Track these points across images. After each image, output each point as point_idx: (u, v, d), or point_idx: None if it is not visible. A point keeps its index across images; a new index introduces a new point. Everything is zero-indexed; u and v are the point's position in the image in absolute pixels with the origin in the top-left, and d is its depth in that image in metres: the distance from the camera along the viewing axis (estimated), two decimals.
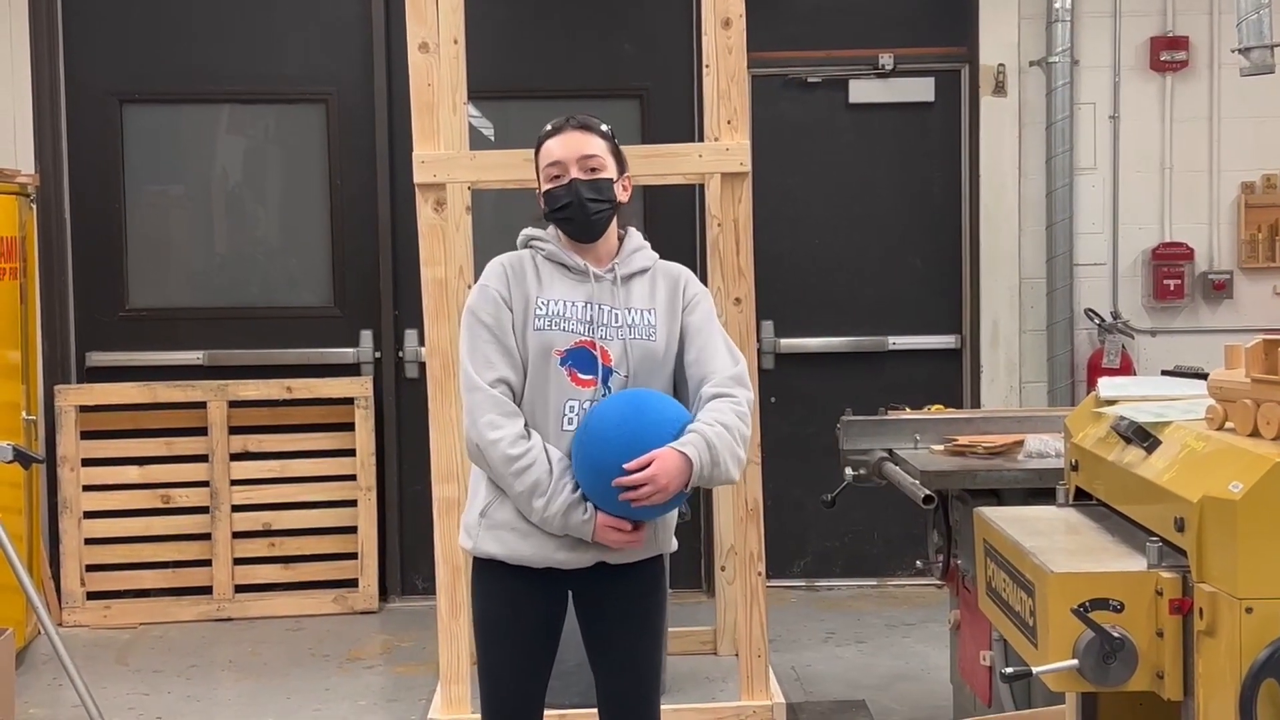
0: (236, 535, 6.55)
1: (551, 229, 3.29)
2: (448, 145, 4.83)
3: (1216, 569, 2.17)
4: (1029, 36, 6.76)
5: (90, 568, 6.52)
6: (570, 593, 3.25)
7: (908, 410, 4.69)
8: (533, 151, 3.33)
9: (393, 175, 6.70)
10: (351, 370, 6.78)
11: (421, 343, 6.15)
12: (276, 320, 6.83)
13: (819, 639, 6.13)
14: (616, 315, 3.20)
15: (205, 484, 6.52)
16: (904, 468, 4.11)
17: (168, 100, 6.82)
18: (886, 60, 6.81)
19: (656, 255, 3.34)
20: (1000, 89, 6.76)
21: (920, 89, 6.86)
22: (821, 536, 6.93)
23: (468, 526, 3.25)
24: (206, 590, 6.55)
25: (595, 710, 3.34)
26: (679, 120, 6.65)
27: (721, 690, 5.35)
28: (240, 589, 6.57)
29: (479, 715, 3.34)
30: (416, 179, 4.79)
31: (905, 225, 6.91)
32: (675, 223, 6.57)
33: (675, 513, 3.27)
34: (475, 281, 3.31)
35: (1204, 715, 2.19)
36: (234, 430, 6.54)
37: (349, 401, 6.60)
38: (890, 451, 4.30)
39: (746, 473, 3.98)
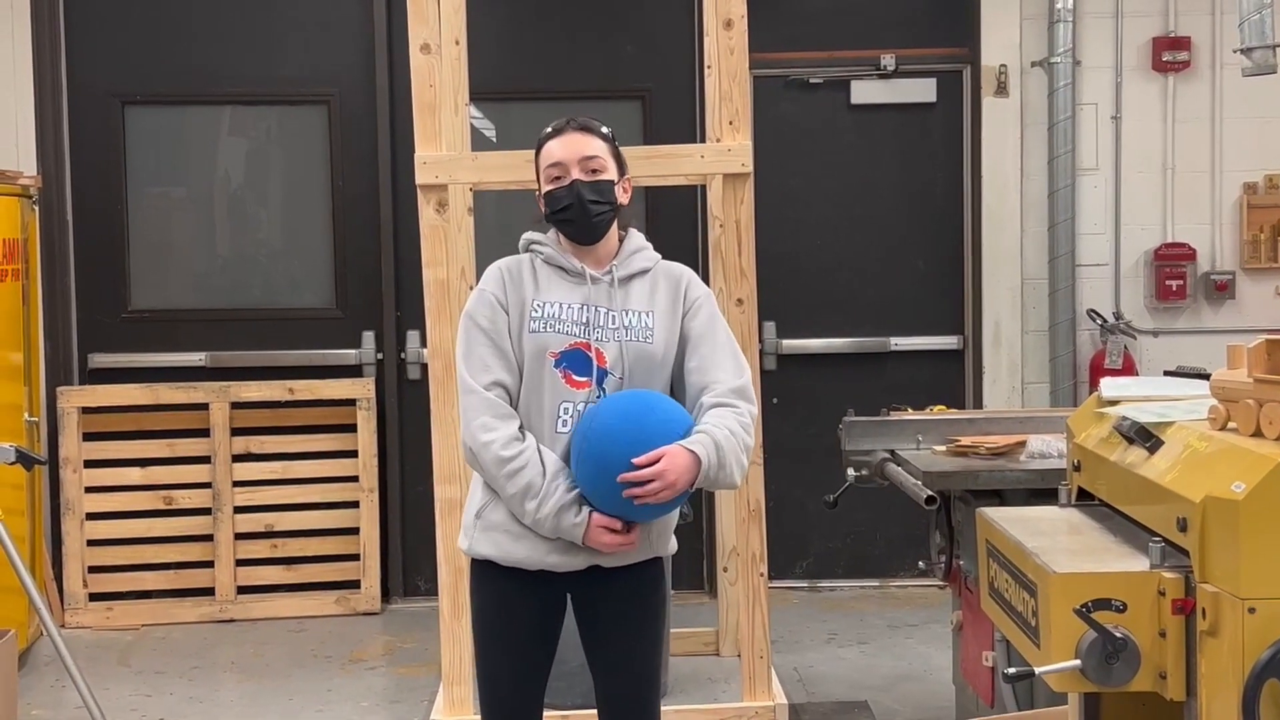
0: (239, 536, 6.55)
1: (551, 232, 3.28)
2: (449, 146, 4.83)
3: (1219, 569, 2.17)
4: (1031, 37, 6.76)
5: (92, 569, 6.52)
6: (569, 595, 3.25)
7: (910, 411, 4.69)
8: (534, 153, 3.33)
9: (394, 176, 6.70)
10: (353, 371, 6.78)
11: (423, 344, 6.16)
12: (278, 322, 6.83)
13: (821, 640, 6.13)
14: (613, 317, 3.18)
15: (207, 485, 6.52)
16: (906, 468, 4.11)
17: (170, 102, 6.82)
18: (888, 61, 6.81)
19: (659, 256, 3.32)
20: (1002, 89, 6.75)
21: (922, 90, 6.86)
22: (824, 537, 6.93)
23: (464, 527, 3.26)
24: (209, 591, 6.55)
25: (596, 711, 3.34)
26: (681, 121, 6.65)
27: (724, 691, 5.34)
28: (242, 590, 6.57)
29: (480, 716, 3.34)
30: (418, 180, 4.79)
31: (907, 226, 6.91)
32: (677, 224, 6.57)
33: (674, 515, 3.26)
34: (476, 284, 3.31)
35: (1207, 716, 2.19)
36: (236, 432, 6.55)
37: (351, 403, 6.60)
38: (892, 452, 4.30)
39: (749, 473, 3.98)
